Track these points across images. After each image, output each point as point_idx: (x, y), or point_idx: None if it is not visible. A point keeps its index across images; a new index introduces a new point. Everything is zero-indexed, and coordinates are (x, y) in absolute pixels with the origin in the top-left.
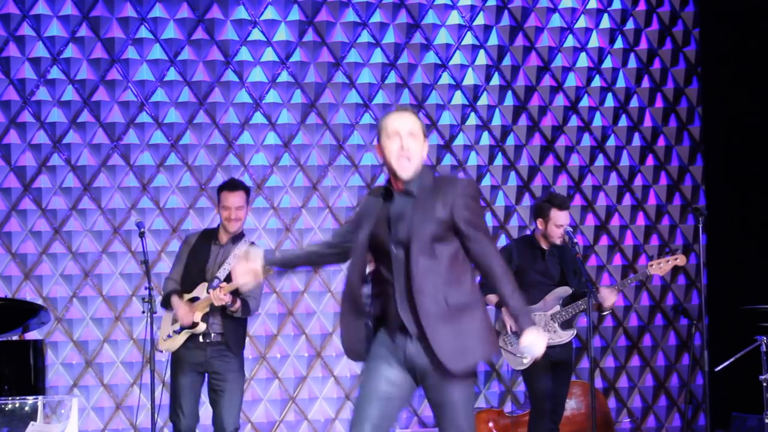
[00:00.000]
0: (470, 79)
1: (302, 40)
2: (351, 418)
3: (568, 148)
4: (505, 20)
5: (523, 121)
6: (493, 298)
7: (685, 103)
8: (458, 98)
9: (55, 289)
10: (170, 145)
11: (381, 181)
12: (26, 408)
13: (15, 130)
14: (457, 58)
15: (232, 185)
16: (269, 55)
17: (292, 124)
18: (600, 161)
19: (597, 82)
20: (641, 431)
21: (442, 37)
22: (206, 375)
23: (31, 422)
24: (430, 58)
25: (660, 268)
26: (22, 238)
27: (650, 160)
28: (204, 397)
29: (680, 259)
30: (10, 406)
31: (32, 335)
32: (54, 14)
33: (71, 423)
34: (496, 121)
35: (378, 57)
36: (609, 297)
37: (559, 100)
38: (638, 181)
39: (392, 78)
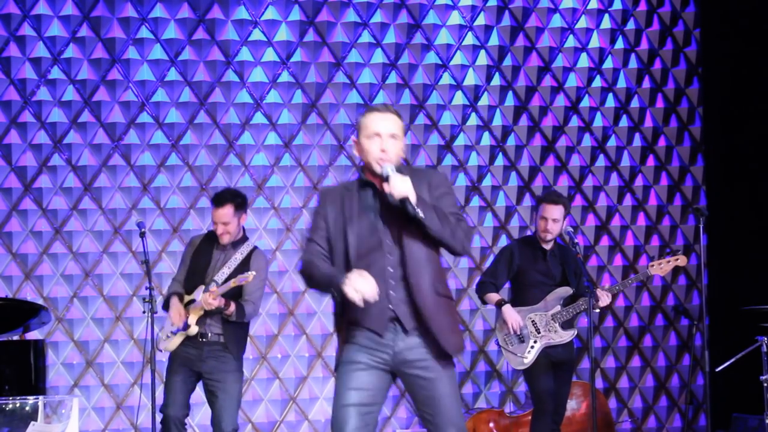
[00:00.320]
0: (471, 79)
1: (303, 40)
2: None
3: (569, 148)
4: (506, 20)
5: (523, 121)
6: (492, 297)
7: (685, 104)
8: (459, 98)
9: (55, 289)
10: (171, 145)
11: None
12: (27, 408)
13: (16, 130)
14: (458, 59)
15: (217, 200)
16: (270, 55)
17: (292, 124)
18: (601, 161)
19: (598, 82)
20: (642, 431)
21: (443, 38)
22: (201, 375)
23: (32, 422)
24: (431, 58)
25: (661, 268)
26: (22, 238)
27: (651, 161)
28: (203, 398)
29: (681, 260)
30: (10, 406)
31: (33, 335)
32: (55, 14)
33: (72, 423)
34: (497, 121)
35: (379, 57)
36: (602, 299)
37: (560, 101)
38: (639, 182)
39: (393, 78)
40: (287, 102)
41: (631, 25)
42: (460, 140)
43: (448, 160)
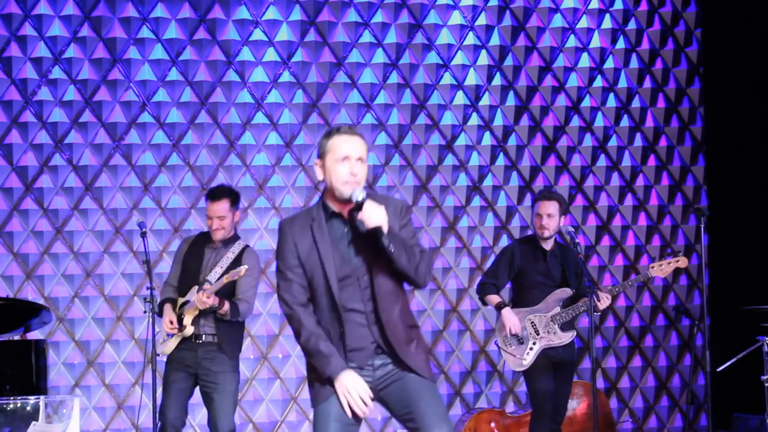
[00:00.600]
0: (472, 79)
1: (304, 40)
2: None
3: (570, 148)
4: (507, 20)
5: (524, 121)
6: (493, 299)
7: (686, 104)
8: (460, 98)
9: (56, 289)
10: (172, 145)
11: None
12: (28, 408)
13: (17, 130)
14: (459, 59)
15: (214, 194)
16: (271, 55)
17: (293, 124)
18: (602, 161)
19: (599, 82)
20: (643, 431)
21: (444, 38)
22: (198, 377)
23: (33, 422)
24: (432, 58)
25: (661, 269)
26: (23, 238)
27: (652, 161)
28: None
29: (681, 261)
30: (11, 405)
31: (34, 335)
32: (56, 14)
33: (73, 423)
34: (498, 121)
35: (380, 57)
36: (601, 301)
37: (561, 101)
38: (640, 182)
39: (394, 78)
40: (288, 102)
41: (632, 25)
42: (461, 140)
43: (449, 159)
